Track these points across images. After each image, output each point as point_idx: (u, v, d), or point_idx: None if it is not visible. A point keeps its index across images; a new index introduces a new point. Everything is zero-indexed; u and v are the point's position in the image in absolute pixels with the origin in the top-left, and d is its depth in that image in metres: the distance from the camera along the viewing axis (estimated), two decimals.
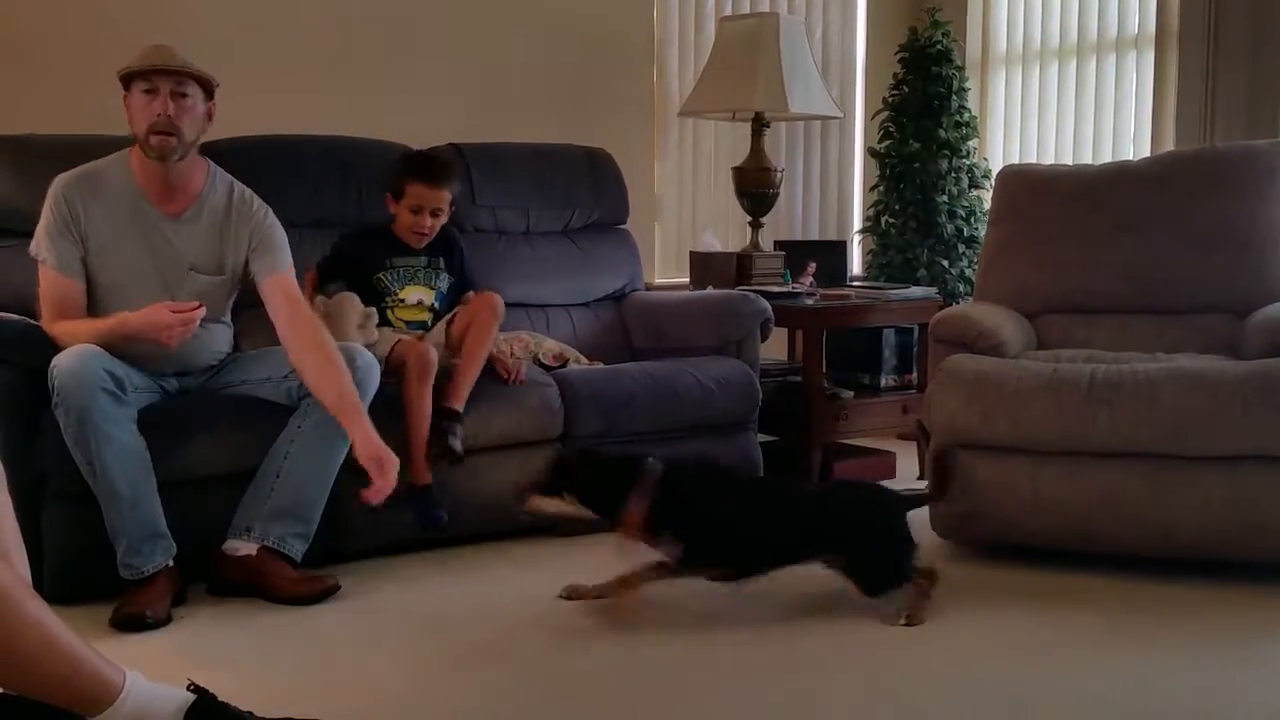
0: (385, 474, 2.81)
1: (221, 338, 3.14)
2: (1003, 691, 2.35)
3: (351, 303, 3.37)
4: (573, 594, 2.91)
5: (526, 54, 4.72)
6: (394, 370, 3.22)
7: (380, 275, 3.47)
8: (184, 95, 2.90)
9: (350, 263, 3.49)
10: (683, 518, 2.75)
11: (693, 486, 2.81)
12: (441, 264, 3.56)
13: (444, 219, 3.50)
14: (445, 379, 3.27)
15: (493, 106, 4.59)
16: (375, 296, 3.46)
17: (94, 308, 2.96)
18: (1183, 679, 2.42)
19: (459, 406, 3.23)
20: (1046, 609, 2.86)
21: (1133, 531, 3.06)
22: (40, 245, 2.94)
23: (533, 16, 4.74)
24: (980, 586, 3.04)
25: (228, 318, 3.18)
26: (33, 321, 2.92)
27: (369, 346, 3.22)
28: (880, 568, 2.79)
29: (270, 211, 3.12)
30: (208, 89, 2.97)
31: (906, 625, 2.72)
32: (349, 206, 3.86)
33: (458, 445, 3.18)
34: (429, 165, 3.48)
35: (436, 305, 3.54)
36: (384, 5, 4.43)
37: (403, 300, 3.48)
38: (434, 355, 3.26)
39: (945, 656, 2.55)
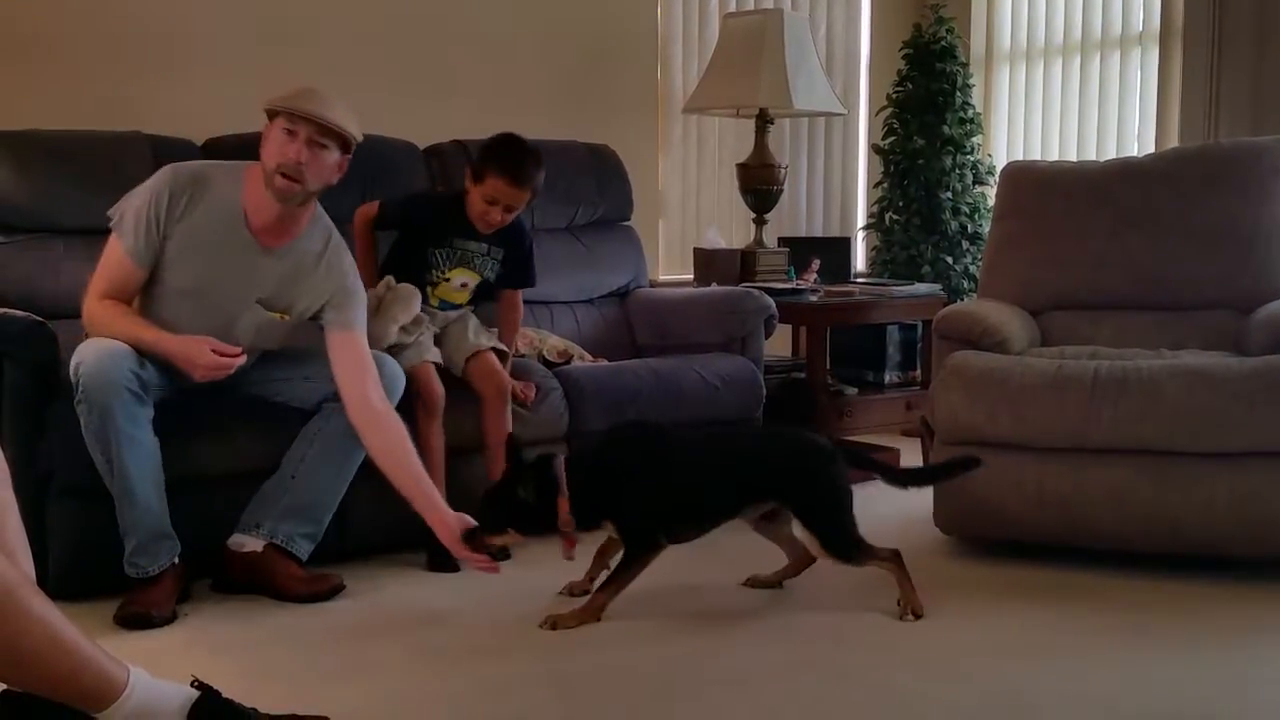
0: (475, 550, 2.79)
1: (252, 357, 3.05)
2: (1005, 688, 2.35)
3: (407, 305, 3.29)
4: (573, 590, 2.92)
5: (531, 51, 4.72)
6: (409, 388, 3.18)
7: (436, 250, 3.39)
8: (322, 146, 2.83)
9: (414, 225, 3.41)
10: (603, 504, 2.77)
11: (603, 468, 2.80)
12: (501, 255, 3.48)
13: (517, 214, 3.40)
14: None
15: (497, 104, 4.58)
16: (421, 265, 3.40)
17: (148, 300, 2.90)
18: (1187, 676, 2.42)
19: None
20: (1050, 606, 2.86)
21: (1137, 528, 3.06)
22: (124, 219, 2.85)
23: (537, 14, 4.74)
24: (983, 583, 3.04)
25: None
26: (37, 318, 2.91)
27: (394, 349, 3.21)
28: (831, 519, 2.76)
29: (356, 269, 3.07)
30: (346, 145, 2.91)
31: (915, 619, 2.73)
32: (354, 203, 3.85)
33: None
34: (515, 161, 3.28)
35: (475, 289, 3.49)
36: (389, 3, 4.43)
37: (448, 280, 3.42)
38: (441, 391, 3.23)
39: (947, 654, 2.55)
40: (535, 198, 3.41)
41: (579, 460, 2.82)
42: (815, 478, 2.80)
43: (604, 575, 2.85)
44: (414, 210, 3.46)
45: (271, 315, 2.95)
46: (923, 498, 3.33)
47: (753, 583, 3.00)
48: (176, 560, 2.80)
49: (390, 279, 3.35)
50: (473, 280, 3.46)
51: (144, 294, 2.90)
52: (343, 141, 2.89)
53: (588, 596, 2.83)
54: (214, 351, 2.76)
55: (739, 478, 2.85)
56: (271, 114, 2.85)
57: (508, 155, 3.29)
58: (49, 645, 1.71)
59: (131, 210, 2.84)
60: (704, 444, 3.00)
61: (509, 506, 2.76)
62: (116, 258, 2.85)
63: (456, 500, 2.90)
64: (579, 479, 2.76)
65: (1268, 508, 2.96)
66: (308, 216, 2.97)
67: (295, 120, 2.81)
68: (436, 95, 4.41)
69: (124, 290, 2.86)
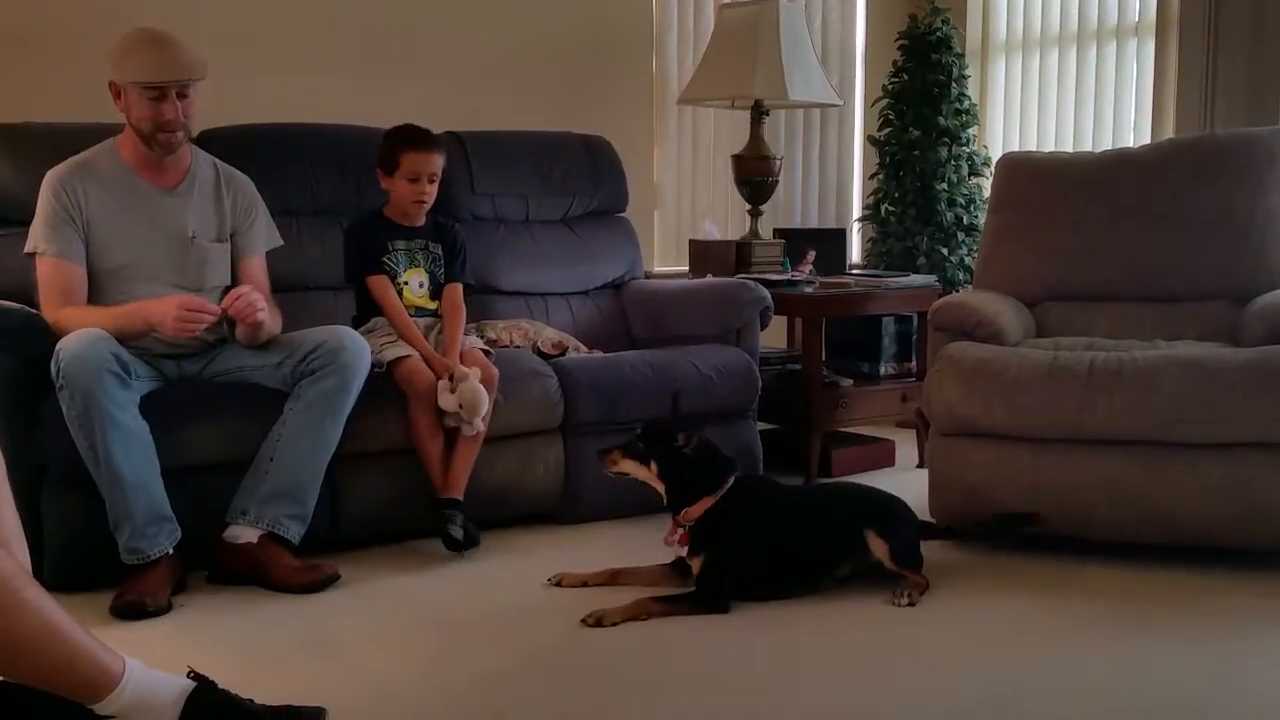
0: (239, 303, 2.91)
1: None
2: (1001, 678, 2.36)
3: (473, 406, 3.28)
4: (562, 581, 2.93)
5: (526, 42, 4.71)
6: (396, 382, 3.19)
7: (385, 259, 3.44)
8: (187, 96, 2.95)
9: (369, 246, 3.44)
10: (707, 538, 2.83)
11: (751, 510, 2.87)
12: (439, 250, 3.51)
13: (436, 186, 3.44)
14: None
15: (492, 94, 4.58)
16: (390, 276, 3.43)
17: (98, 293, 2.97)
18: (1181, 666, 2.43)
19: (458, 495, 3.20)
20: (1045, 596, 2.86)
21: (1131, 519, 3.07)
22: (38, 237, 2.95)
23: (532, 4, 4.73)
24: (978, 574, 3.04)
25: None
26: (32, 310, 2.91)
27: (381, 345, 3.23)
28: (906, 538, 2.91)
29: (253, 184, 3.23)
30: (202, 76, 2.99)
31: (909, 605, 2.76)
32: (347, 195, 3.86)
33: (458, 533, 3.12)
34: (418, 132, 3.42)
35: (432, 288, 3.50)
36: None
37: (406, 284, 3.45)
38: (431, 379, 3.20)
39: (944, 644, 2.55)
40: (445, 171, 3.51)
41: (738, 492, 2.89)
42: (898, 511, 2.98)
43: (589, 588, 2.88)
44: (361, 236, 3.47)
45: (214, 245, 3.10)
46: (919, 489, 3.34)
47: None
48: (172, 549, 2.80)
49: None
50: (424, 278, 3.48)
51: (101, 295, 2.96)
52: (201, 78, 2.99)
53: (574, 588, 2.89)
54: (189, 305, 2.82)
55: (844, 524, 2.92)
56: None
57: (406, 133, 3.40)
58: (44, 636, 1.71)
59: (41, 225, 2.95)
60: (810, 498, 3.24)
61: (664, 450, 2.86)
62: (52, 268, 2.94)
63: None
64: (724, 508, 2.85)
65: (1262, 498, 2.97)
66: (188, 151, 3.11)
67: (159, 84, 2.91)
68: (431, 86, 4.40)
69: (74, 293, 2.94)
